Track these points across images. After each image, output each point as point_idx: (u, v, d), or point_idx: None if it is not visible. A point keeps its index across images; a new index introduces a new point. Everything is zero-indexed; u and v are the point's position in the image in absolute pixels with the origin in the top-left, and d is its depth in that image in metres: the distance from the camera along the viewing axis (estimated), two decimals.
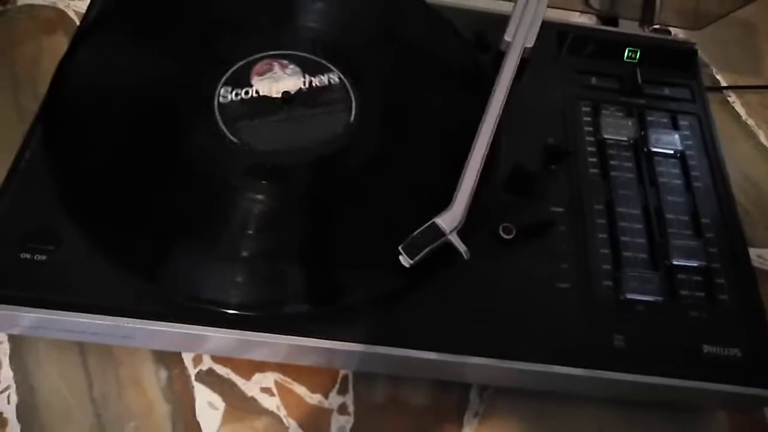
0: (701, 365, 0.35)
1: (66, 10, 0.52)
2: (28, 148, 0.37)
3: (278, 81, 0.40)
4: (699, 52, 0.58)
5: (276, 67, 0.41)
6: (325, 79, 0.42)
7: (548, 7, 0.49)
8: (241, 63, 0.41)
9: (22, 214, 0.34)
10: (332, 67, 0.42)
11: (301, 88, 0.41)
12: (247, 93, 0.40)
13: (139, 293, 0.33)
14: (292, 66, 0.41)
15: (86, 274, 0.33)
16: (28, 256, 0.33)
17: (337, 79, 0.42)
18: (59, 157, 0.36)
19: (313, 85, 0.41)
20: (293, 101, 0.40)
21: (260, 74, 0.40)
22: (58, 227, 0.34)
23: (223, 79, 0.40)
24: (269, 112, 0.40)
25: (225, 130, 0.38)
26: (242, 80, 0.40)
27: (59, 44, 0.50)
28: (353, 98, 0.41)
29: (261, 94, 0.40)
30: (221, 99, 0.39)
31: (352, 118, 0.41)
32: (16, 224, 0.34)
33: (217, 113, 0.39)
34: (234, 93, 0.39)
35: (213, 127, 0.38)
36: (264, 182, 0.37)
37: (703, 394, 0.36)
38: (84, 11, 0.51)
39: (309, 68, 0.42)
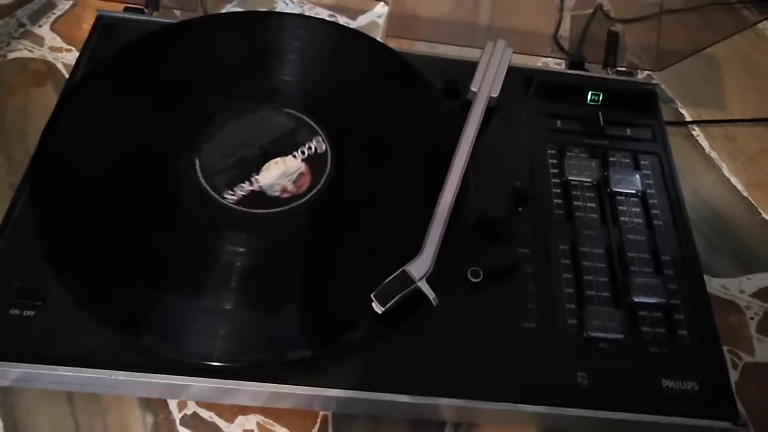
0: (661, 400, 0.37)
1: (54, 62, 0.54)
2: (18, 206, 0.39)
3: None
4: (663, 87, 0.62)
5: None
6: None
7: (519, 53, 0.51)
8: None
9: (11, 270, 0.36)
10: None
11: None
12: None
13: (121, 346, 0.35)
14: None
15: (71, 328, 0.35)
16: (17, 312, 0.35)
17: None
18: (45, 216, 0.38)
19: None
20: (269, 152, 0.42)
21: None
22: (44, 283, 0.36)
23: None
24: (251, 168, 0.42)
25: (211, 192, 0.40)
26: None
27: (48, 96, 0.52)
28: (321, 134, 0.44)
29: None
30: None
31: (328, 156, 0.43)
32: (5, 281, 0.36)
33: (201, 177, 0.41)
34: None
35: (198, 189, 0.40)
36: (243, 237, 0.39)
37: (663, 428, 0.37)
38: (72, 63, 0.54)
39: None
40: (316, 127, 0.44)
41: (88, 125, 0.42)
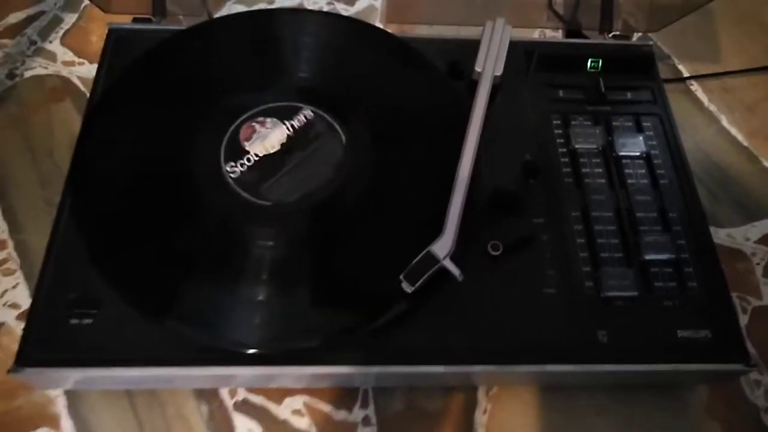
0: (677, 349, 0.40)
1: (70, 77, 0.56)
2: (61, 221, 0.41)
3: (267, 137, 0.44)
4: (659, 44, 0.63)
5: (257, 127, 0.45)
6: (302, 117, 0.46)
7: (516, 26, 0.53)
8: (228, 135, 0.45)
9: (67, 283, 0.39)
10: (301, 105, 0.46)
11: (289, 135, 0.45)
12: (249, 160, 0.43)
13: (172, 342, 0.38)
14: (269, 119, 0.45)
15: (127, 331, 0.38)
16: (77, 321, 0.38)
17: (311, 114, 0.46)
18: (89, 227, 0.40)
19: (296, 127, 0.45)
20: (292, 148, 0.44)
21: (247, 139, 0.44)
22: (97, 291, 0.39)
23: (222, 155, 0.44)
24: (277, 167, 0.44)
25: (248, 197, 0.42)
26: (237, 150, 0.44)
27: (68, 111, 0.54)
28: (337, 127, 0.46)
29: (261, 155, 0.44)
30: (231, 174, 0.43)
31: (344, 141, 0.45)
32: (62, 292, 0.39)
33: (233, 184, 0.43)
34: (239, 164, 0.43)
35: (233, 196, 0.42)
36: (272, 231, 0.41)
37: (682, 375, 0.41)
38: (86, 75, 0.56)
39: (284, 115, 0.46)
40: (332, 121, 0.46)
41: (117, 136, 0.44)
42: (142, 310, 0.38)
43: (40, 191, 0.50)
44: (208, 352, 0.38)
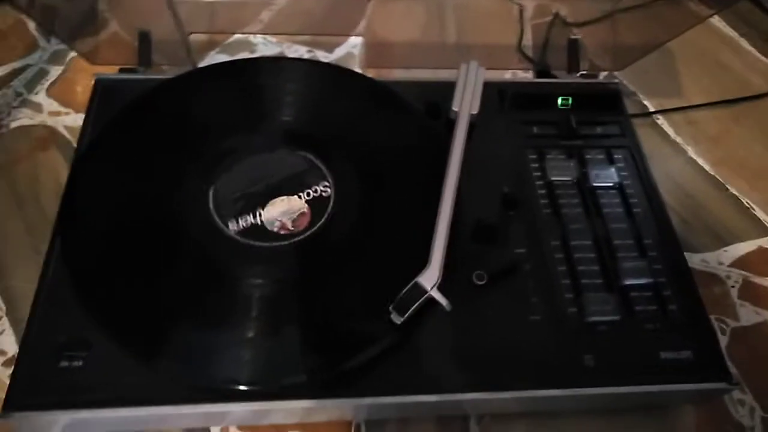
0: (661, 370, 0.41)
1: (55, 126, 0.57)
2: (51, 264, 0.42)
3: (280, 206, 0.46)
4: (625, 82, 0.66)
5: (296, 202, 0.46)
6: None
7: (488, 68, 0.55)
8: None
9: (55, 326, 0.39)
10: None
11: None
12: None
13: (165, 381, 0.38)
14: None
15: (117, 371, 0.38)
16: (67, 364, 0.38)
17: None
18: (78, 270, 0.40)
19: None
20: (275, 190, 0.46)
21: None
22: (87, 333, 0.39)
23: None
24: (257, 203, 0.45)
25: (237, 237, 0.43)
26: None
27: (55, 159, 0.55)
28: (322, 167, 0.47)
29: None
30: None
31: (332, 194, 0.46)
32: (51, 335, 0.39)
33: (222, 225, 0.44)
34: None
35: (222, 237, 0.43)
36: (264, 269, 0.42)
37: (666, 395, 0.41)
38: (72, 125, 0.57)
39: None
40: (320, 165, 0.47)
41: (106, 181, 0.45)
42: (133, 352, 0.38)
43: (27, 238, 0.50)
44: (200, 389, 0.38)
